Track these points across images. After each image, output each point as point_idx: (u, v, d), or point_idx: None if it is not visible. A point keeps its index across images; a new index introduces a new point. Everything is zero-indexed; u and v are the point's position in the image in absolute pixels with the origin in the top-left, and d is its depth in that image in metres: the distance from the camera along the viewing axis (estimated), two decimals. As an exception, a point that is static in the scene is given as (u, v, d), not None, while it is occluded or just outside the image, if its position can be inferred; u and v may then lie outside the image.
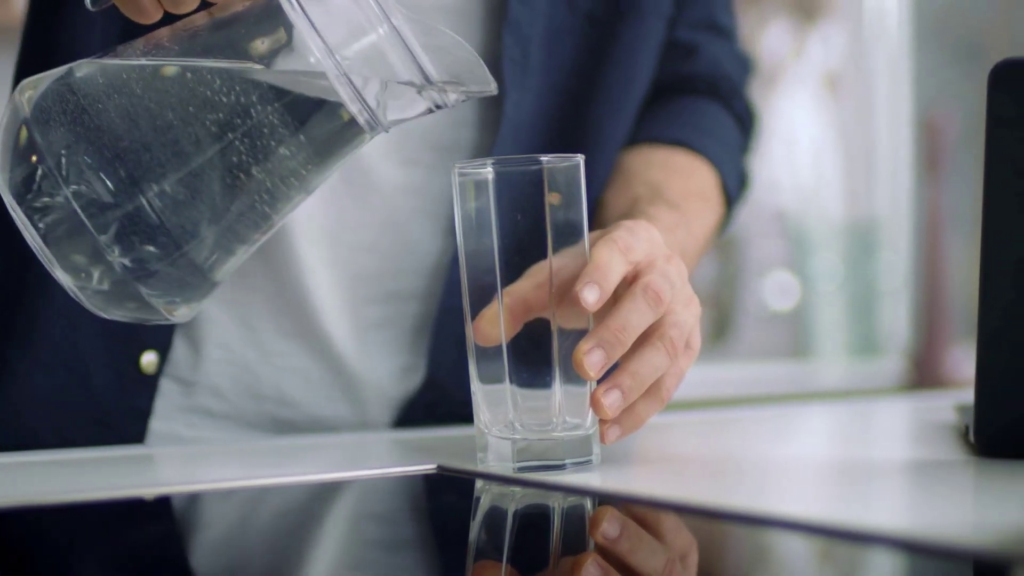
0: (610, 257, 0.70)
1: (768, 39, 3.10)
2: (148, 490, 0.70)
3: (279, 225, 0.68)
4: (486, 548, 0.57)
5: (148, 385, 0.89)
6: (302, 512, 0.66)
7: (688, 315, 0.74)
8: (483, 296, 0.70)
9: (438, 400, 0.95)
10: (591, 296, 0.69)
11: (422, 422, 0.95)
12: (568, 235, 0.70)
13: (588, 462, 0.71)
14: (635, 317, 0.70)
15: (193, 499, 0.68)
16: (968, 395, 0.71)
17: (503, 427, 0.70)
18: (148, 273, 0.63)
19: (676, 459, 0.76)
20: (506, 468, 0.70)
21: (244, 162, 0.64)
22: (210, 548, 0.58)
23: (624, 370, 0.70)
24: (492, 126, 0.93)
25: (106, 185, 0.62)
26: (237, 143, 0.64)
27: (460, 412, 0.93)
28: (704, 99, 1.05)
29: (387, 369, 0.94)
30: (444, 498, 0.69)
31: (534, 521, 0.62)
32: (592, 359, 0.68)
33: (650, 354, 0.71)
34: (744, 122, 1.07)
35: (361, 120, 0.65)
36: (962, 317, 3.00)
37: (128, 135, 0.62)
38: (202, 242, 0.64)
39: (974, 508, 0.60)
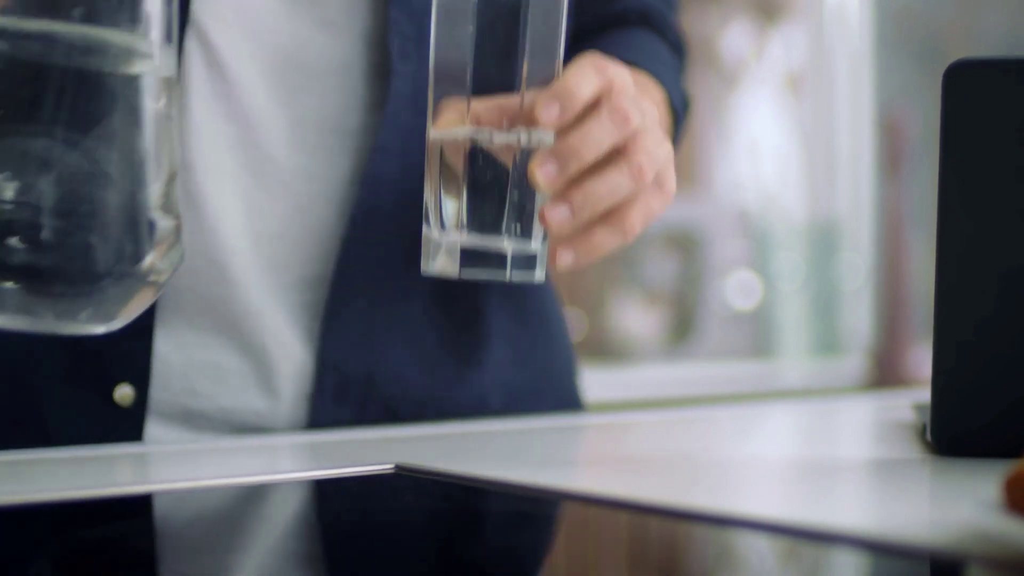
0: (581, 77, 0.68)
1: (729, 40, 3.11)
2: (100, 491, 0.70)
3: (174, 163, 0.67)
4: (447, 551, 0.57)
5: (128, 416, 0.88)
6: (252, 514, 0.65)
7: (660, 151, 0.71)
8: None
9: (343, 384, 0.94)
10: (550, 113, 0.67)
11: (334, 414, 0.94)
12: (543, 59, 0.68)
13: (532, 273, 0.70)
14: (596, 131, 0.68)
15: (144, 500, 0.67)
16: (927, 394, 0.71)
17: (453, 229, 0.70)
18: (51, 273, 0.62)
19: (638, 458, 0.76)
20: (452, 270, 0.70)
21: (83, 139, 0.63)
22: (160, 552, 0.58)
23: (578, 186, 0.68)
24: (383, 106, 0.92)
25: None
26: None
27: (371, 398, 0.92)
28: (637, 28, 1.03)
29: (304, 359, 0.93)
30: (402, 499, 0.69)
31: (492, 521, 0.62)
32: (545, 169, 0.67)
33: (611, 174, 0.69)
34: (678, 49, 1.06)
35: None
36: (923, 316, 3.02)
37: None
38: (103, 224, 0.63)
39: (930, 507, 0.60)
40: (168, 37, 0.67)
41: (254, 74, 0.89)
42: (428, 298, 0.96)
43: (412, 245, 0.94)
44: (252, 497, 0.68)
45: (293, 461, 0.81)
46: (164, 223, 0.66)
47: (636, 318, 2.97)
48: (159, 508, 0.66)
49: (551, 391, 1.04)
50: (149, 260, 0.66)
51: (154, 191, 0.66)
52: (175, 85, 0.68)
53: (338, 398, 0.93)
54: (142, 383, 0.88)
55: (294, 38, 0.90)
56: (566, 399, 1.06)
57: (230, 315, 0.91)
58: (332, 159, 0.92)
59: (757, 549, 0.54)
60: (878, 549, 0.51)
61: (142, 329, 0.87)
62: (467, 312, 0.98)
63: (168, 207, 0.67)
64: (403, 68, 0.90)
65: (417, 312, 0.96)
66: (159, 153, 0.67)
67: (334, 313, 0.92)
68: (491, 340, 0.99)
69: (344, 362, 0.93)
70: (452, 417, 0.97)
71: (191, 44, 0.87)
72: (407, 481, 0.71)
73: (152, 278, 0.66)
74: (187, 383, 0.91)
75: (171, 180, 0.68)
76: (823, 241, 3.24)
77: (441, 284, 0.94)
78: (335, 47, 0.90)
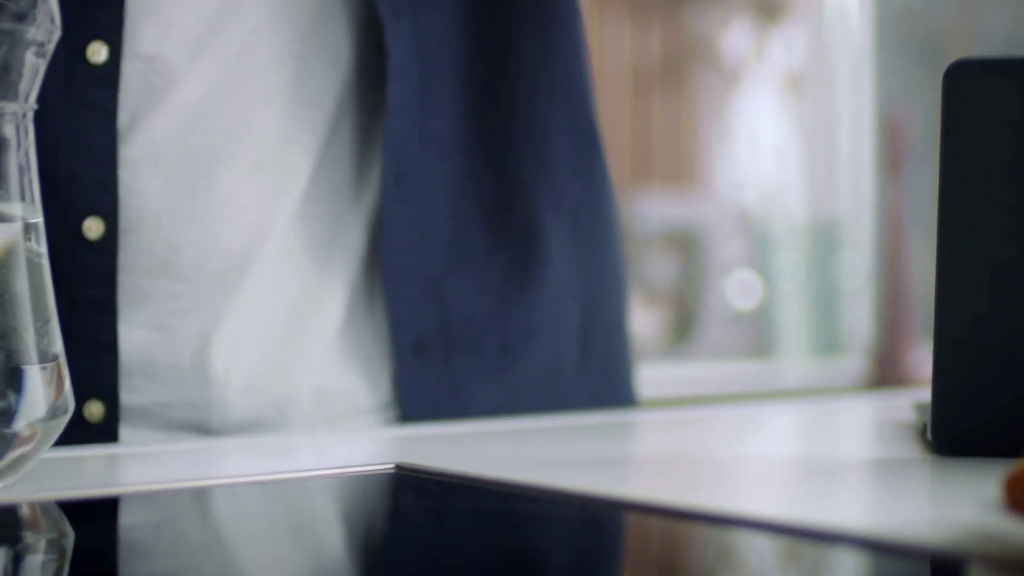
0: None
1: (730, 39, 3.11)
2: (94, 491, 0.70)
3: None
4: (448, 551, 0.57)
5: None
6: (252, 514, 0.65)
7: None
8: None
9: (421, 341, 0.92)
10: None
11: (420, 371, 0.92)
12: None
13: None
14: None
15: (143, 500, 0.67)
16: (927, 393, 0.71)
17: None
18: None
19: (638, 458, 0.76)
20: None
21: None
22: (158, 552, 0.58)
23: None
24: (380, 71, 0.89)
25: None
26: None
27: (452, 347, 0.92)
28: None
29: (243, 381, 0.89)
30: (403, 499, 0.69)
31: (493, 522, 0.62)
32: None
33: None
34: None
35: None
36: (923, 316, 3.02)
37: None
38: None
39: (930, 507, 0.60)
40: (32, 196, 0.66)
41: (209, 67, 0.86)
42: (484, 235, 0.94)
43: (455, 195, 0.93)
44: (252, 496, 0.68)
45: (293, 460, 0.81)
46: (35, 371, 0.64)
47: (636, 318, 2.97)
48: (158, 507, 0.66)
49: (614, 294, 1.03)
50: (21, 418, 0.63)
51: (28, 337, 0.64)
52: (41, 230, 0.67)
53: (419, 354, 0.92)
54: (111, 399, 0.87)
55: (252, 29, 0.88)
56: (623, 306, 1.05)
57: (171, 308, 0.88)
58: (302, 138, 0.89)
59: (757, 549, 0.54)
60: (878, 549, 0.51)
61: (107, 346, 0.87)
62: (525, 237, 0.96)
63: (44, 353, 0.65)
64: (397, 27, 0.88)
65: (475, 252, 0.94)
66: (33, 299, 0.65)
67: (392, 274, 0.90)
68: (552, 260, 0.97)
69: (414, 318, 0.91)
70: (529, 344, 0.96)
71: (127, 50, 0.85)
72: (407, 481, 0.71)
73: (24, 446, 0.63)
74: (124, 379, 0.88)
75: (48, 322, 0.66)
76: (823, 241, 3.24)
77: (496, 215, 0.94)
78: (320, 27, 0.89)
